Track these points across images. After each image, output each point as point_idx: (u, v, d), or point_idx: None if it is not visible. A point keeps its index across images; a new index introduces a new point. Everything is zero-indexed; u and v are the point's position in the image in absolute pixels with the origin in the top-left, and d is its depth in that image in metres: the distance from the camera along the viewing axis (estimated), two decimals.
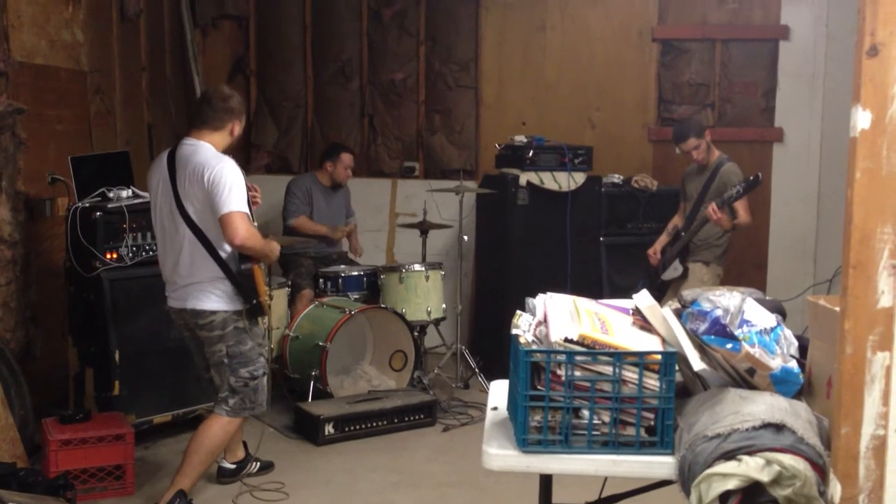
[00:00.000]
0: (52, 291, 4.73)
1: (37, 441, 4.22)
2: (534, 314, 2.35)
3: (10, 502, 3.29)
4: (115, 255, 4.47)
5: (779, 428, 1.96)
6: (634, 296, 2.34)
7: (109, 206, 4.48)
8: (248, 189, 3.89)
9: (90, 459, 4.00)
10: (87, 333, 4.55)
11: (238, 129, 3.87)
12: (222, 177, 3.60)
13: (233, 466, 4.25)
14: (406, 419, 5.02)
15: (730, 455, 1.95)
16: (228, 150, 3.83)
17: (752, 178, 4.95)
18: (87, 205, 4.49)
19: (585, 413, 2.10)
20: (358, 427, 4.87)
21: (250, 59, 7.07)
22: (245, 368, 3.79)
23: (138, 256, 4.52)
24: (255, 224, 3.87)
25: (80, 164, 4.74)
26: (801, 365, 2.20)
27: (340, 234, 6.24)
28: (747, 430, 1.96)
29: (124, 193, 4.61)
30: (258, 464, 4.34)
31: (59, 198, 4.80)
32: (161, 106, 6.41)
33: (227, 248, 3.71)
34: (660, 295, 5.14)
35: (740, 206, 5.18)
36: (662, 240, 5.60)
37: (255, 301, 3.75)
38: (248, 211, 3.66)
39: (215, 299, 3.72)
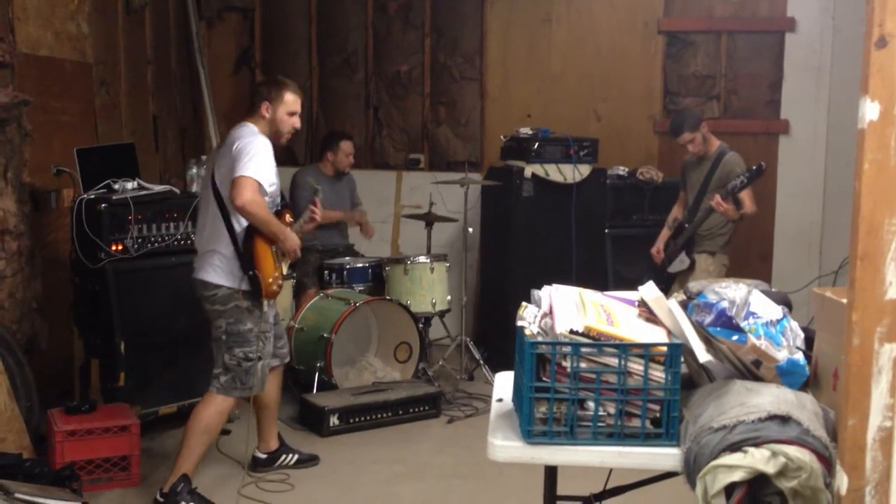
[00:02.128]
0: (57, 283, 4.73)
1: (42, 432, 4.22)
2: (539, 306, 2.35)
3: (16, 493, 3.30)
4: (120, 247, 4.47)
5: (784, 420, 1.96)
6: (640, 288, 2.34)
7: (115, 197, 4.48)
8: (314, 205, 4.10)
9: (96, 450, 4.01)
10: (92, 325, 4.56)
11: (267, 110, 3.89)
12: (248, 146, 3.72)
13: (265, 456, 4.27)
14: (411, 411, 5.03)
15: (735, 447, 1.94)
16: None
17: (755, 167, 4.97)
18: (93, 196, 4.49)
19: (591, 405, 2.09)
20: (363, 419, 4.88)
21: (255, 51, 7.07)
22: (240, 348, 3.81)
23: (144, 248, 4.53)
24: (299, 226, 4.07)
25: (85, 156, 4.75)
26: (807, 357, 2.20)
27: (359, 217, 6.22)
28: (753, 421, 1.96)
29: (130, 185, 4.61)
30: (296, 456, 4.34)
31: (64, 189, 4.81)
32: (166, 98, 6.41)
33: (243, 221, 3.76)
34: (667, 288, 5.14)
35: (746, 196, 5.17)
36: (664, 234, 5.59)
37: (251, 273, 3.75)
38: (262, 181, 3.70)
39: (221, 273, 3.78)
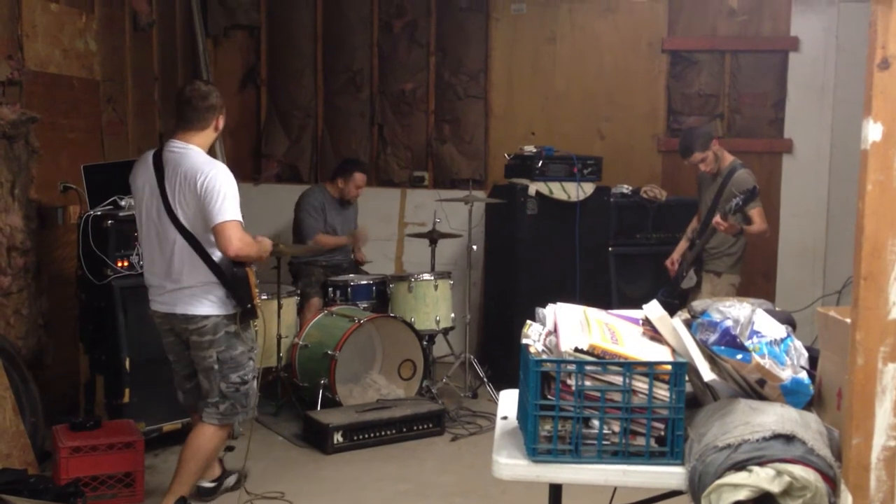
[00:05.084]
0: (63, 299, 4.75)
1: (47, 448, 4.23)
2: (544, 324, 2.36)
3: None
4: (126, 263, 4.49)
5: (789, 439, 1.96)
6: (644, 306, 2.35)
7: (121, 214, 4.50)
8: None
9: (100, 467, 4.01)
10: (97, 341, 4.57)
11: (221, 121, 3.78)
12: (215, 184, 3.54)
13: (212, 485, 4.16)
14: (415, 428, 5.02)
15: (740, 466, 1.95)
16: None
17: (749, 189, 5.02)
18: (99, 213, 4.51)
19: (595, 423, 2.10)
20: (367, 436, 4.87)
21: (261, 68, 7.11)
22: (235, 374, 3.75)
23: None
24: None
25: (92, 173, 4.77)
26: (811, 376, 2.20)
27: (361, 235, 6.21)
28: (757, 440, 1.96)
29: None
30: (235, 475, 4.25)
31: (71, 206, 4.83)
32: (173, 115, 6.43)
33: (219, 252, 3.64)
34: (681, 304, 5.14)
35: (756, 215, 5.22)
36: (681, 246, 5.59)
37: (249, 305, 3.69)
38: (241, 219, 3.59)
39: (208, 304, 3.66)
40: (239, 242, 3.55)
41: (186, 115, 3.71)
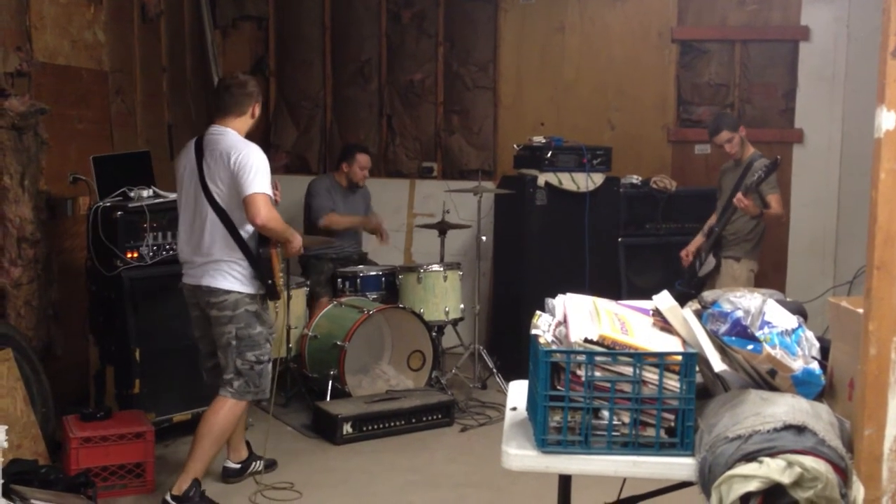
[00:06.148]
0: (73, 290, 4.76)
1: (58, 438, 4.25)
2: (553, 315, 2.35)
3: (31, 499, 3.32)
4: (135, 255, 4.51)
5: (800, 430, 1.95)
6: (654, 297, 2.34)
7: (130, 205, 4.51)
8: (274, 187, 4.02)
9: (111, 457, 4.03)
10: (107, 332, 4.58)
11: (258, 109, 4.01)
12: (248, 159, 3.75)
13: (237, 466, 4.25)
14: (424, 419, 5.03)
15: (751, 456, 1.94)
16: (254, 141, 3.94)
17: (771, 161, 5.05)
18: (109, 204, 4.52)
19: (605, 414, 2.09)
20: (376, 427, 4.88)
21: (270, 59, 7.11)
22: (252, 352, 3.86)
23: (159, 255, 4.55)
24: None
25: (101, 164, 4.78)
26: (823, 366, 2.19)
27: (374, 221, 6.21)
28: (768, 431, 1.96)
29: (145, 193, 4.64)
30: (262, 462, 4.32)
31: (80, 197, 4.85)
32: (181, 106, 6.45)
33: (249, 229, 3.82)
34: (698, 293, 5.14)
35: (773, 200, 5.22)
36: (697, 240, 5.59)
37: (270, 282, 3.84)
38: (271, 194, 3.77)
39: (231, 279, 3.82)
40: (266, 213, 3.71)
41: (224, 102, 3.94)
